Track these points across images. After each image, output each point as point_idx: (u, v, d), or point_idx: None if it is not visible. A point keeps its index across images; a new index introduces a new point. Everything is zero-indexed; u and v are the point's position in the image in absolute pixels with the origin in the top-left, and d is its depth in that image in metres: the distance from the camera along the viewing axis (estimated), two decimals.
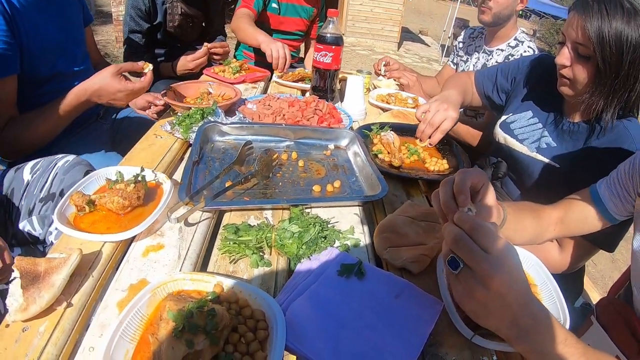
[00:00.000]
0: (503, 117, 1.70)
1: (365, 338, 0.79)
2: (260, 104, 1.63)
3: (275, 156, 1.24)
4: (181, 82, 1.74)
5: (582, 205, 1.18)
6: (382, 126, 1.61)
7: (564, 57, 1.31)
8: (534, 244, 1.21)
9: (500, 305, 0.69)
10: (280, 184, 1.22)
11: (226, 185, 1.13)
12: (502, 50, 2.26)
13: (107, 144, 1.81)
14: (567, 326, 0.88)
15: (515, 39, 2.24)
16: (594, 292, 1.86)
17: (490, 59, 2.30)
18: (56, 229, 1.20)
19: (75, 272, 0.84)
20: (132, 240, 0.98)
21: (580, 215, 1.18)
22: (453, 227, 0.72)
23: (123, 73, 1.44)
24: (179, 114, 1.48)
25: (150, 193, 1.10)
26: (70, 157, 1.34)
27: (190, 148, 1.33)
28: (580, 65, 1.28)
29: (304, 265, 0.93)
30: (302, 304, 0.83)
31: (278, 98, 1.68)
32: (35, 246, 1.28)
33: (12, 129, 1.42)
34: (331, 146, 1.46)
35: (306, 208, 1.10)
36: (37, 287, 0.78)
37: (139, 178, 1.07)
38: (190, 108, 1.46)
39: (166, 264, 0.92)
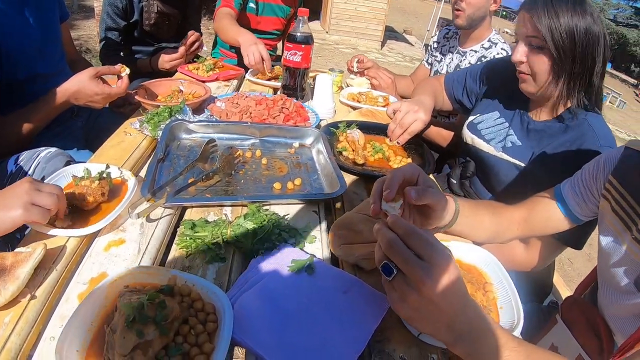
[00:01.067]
0: (470, 118, 1.72)
1: (311, 332, 0.82)
2: (229, 102, 1.65)
3: (237, 154, 1.27)
4: (153, 80, 1.75)
5: (546, 205, 1.20)
6: (349, 124, 1.64)
7: (518, 53, 1.35)
8: (495, 242, 1.23)
9: (433, 311, 0.68)
10: (242, 181, 1.25)
11: (189, 182, 1.16)
12: (475, 51, 2.25)
13: (81, 141, 1.82)
14: (521, 325, 0.88)
15: (489, 40, 2.24)
16: (566, 291, 1.88)
17: (464, 60, 2.29)
18: None
19: (40, 265, 0.87)
20: (95, 235, 1.00)
21: (544, 215, 1.19)
22: (387, 231, 0.72)
23: (101, 76, 1.46)
24: (148, 111, 1.50)
25: (116, 189, 1.13)
26: (52, 149, 1.38)
27: None
28: (536, 57, 1.32)
29: (257, 261, 0.97)
30: (250, 297, 0.86)
31: (247, 96, 1.71)
32: (13, 233, 1.30)
33: None
34: (296, 144, 1.49)
35: (264, 205, 1.14)
36: (3, 280, 0.81)
37: (104, 175, 1.10)
38: (159, 106, 1.49)
39: (126, 259, 0.95)
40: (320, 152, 1.43)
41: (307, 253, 1.00)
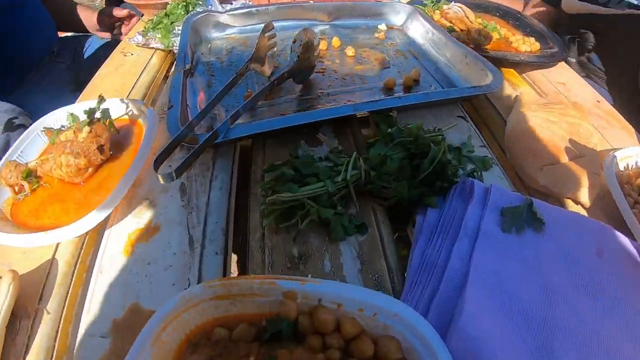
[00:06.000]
0: None
1: (585, 343, 0.38)
2: None
3: (315, 43, 0.72)
4: None
5: None
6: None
7: None
8: None
9: None
10: (328, 84, 0.72)
11: (244, 99, 0.64)
12: None
13: (70, 87, 1.31)
14: None
15: None
16: None
17: None
18: None
19: (15, 312, 0.43)
20: (105, 224, 0.51)
21: None
22: None
23: None
24: (153, 18, 0.95)
25: (125, 135, 0.62)
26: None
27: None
28: None
29: (429, 217, 0.47)
30: (475, 299, 0.37)
31: None
32: None
33: None
34: (382, 26, 0.93)
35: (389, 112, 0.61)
36: None
37: (97, 115, 0.59)
38: (167, 3, 0.93)
39: (171, 264, 0.46)
40: (429, 32, 0.87)
41: (507, 190, 0.49)
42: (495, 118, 0.73)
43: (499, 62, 0.85)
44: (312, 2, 0.91)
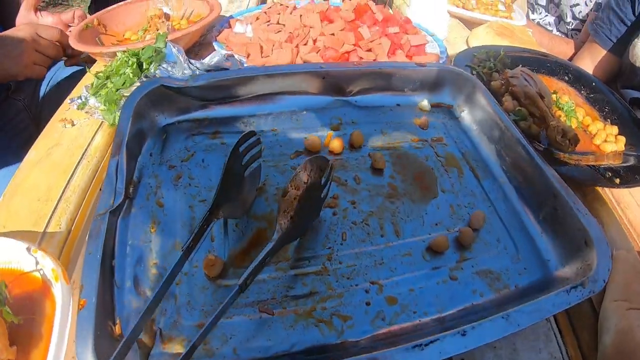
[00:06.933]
0: None
1: None
2: (260, 22, 0.79)
3: (323, 182, 0.43)
4: (114, 6, 0.88)
5: None
6: (496, 56, 0.80)
7: None
8: None
9: None
10: (341, 235, 0.46)
11: (204, 268, 0.39)
12: None
13: (27, 129, 1.06)
14: None
15: None
16: None
17: None
18: None
19: None
20: None
21: None
22: None
23: None
24: (94, 80, 0.68)
25: (31, 319, 0.41)
26: None
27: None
28: None
29: None
30: None
31: (294, 7, 0.83)
32: None
33: None
34: (424, 104, 0.65)
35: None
36: None
37: None
38: (116, 54, 0.66)
39: None
40: (494, 128, 0.59)
41: None
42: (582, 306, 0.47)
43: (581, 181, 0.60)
44: (321, 65, 0.62)
